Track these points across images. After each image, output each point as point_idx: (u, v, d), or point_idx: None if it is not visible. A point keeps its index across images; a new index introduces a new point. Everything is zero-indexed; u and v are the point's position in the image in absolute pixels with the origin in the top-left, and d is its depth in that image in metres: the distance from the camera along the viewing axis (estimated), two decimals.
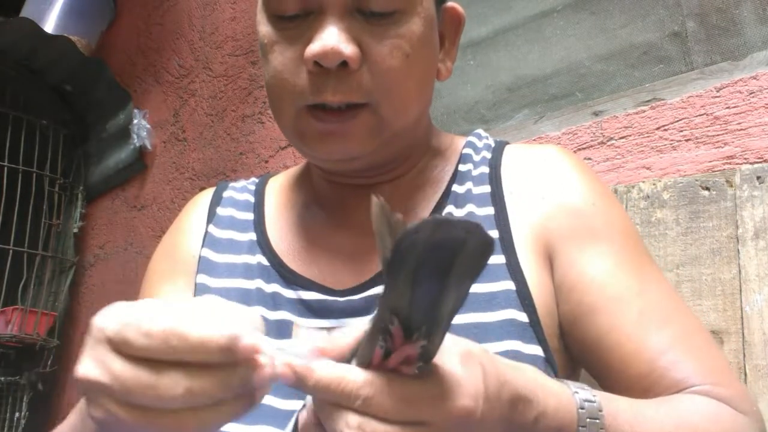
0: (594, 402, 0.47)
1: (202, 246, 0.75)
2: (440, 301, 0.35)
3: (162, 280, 0.75)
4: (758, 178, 0.84)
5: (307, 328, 0.41)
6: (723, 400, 0.56)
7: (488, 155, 0.73)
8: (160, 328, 0.38)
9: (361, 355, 0.38)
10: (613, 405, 0.49)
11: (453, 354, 0.40)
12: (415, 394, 0.38)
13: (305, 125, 0.64)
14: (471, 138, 0.76)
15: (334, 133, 0.63)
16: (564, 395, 0.47)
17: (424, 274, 0.33)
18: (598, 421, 0.47)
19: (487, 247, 0.34)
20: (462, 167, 0.72)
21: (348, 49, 0.60)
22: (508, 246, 0.65)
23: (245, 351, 0.38)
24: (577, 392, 0.48)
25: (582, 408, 0.47)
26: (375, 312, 0.37)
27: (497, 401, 0.41)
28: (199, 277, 0.72)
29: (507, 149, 0.74)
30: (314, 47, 0.60)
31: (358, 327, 0.40)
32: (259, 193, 0.79)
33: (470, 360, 0.41)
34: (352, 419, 0.38)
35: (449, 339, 0.40)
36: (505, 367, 0.43)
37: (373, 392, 0.37)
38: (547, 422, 0.45)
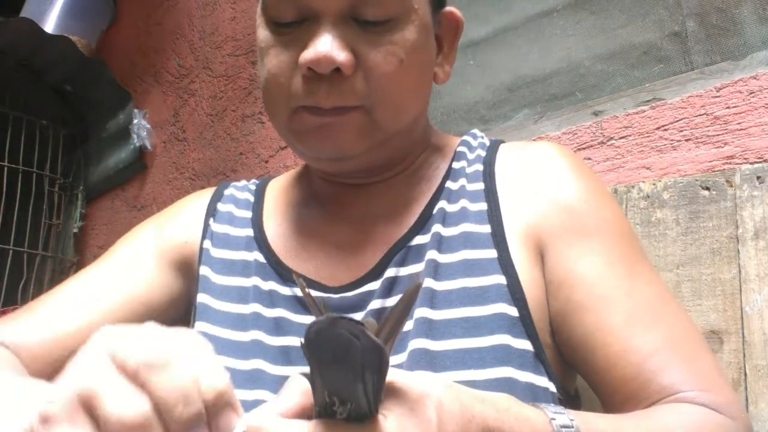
0: (572, 427, 0.46)
1: (204, 238, 0.76)
2: (349, 388, 0.36)
3: (144, 252, 0.76)
4: (758, 178, 0.84)
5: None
6: (710, 406, 0.55)
7: (483, 153, 0.74)
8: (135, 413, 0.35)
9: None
10: (593, 427, 0.48)
11: (404, 399, 0.39)
12: None
13: (299, 122, 0.65)
14: (466, 137, 0.77)
15: (327, 127, 0.64)
16: (539, 422, 0.46)
17: (326, 364, 0.36)
18: None
19: (377, 351, 0.35)
20: (456, 164, 0.73)
21: (341, 55, 0.61)
22: (500, 241, 0.65)
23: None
24: (554, 418, 0.46)
25: None
26: (311, 386, 0.38)
27: None
28: (202, 269, 0.74)
29: (502, 147, 0.74)
30: (308, 54, 0.62)
31: (299, 386, 0.39)
32: (259, 193, 0.80)
33: (423, 403, 0.39)
34: None
35: (402, 379, 0.40)
36: (472, 401, 0.42)
37: None
38: None
